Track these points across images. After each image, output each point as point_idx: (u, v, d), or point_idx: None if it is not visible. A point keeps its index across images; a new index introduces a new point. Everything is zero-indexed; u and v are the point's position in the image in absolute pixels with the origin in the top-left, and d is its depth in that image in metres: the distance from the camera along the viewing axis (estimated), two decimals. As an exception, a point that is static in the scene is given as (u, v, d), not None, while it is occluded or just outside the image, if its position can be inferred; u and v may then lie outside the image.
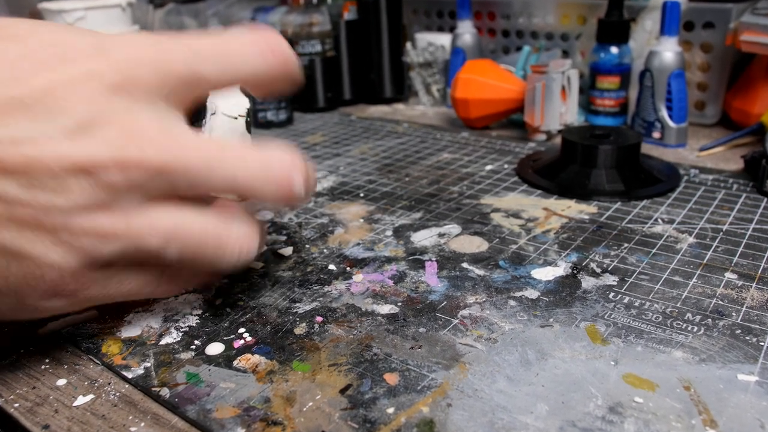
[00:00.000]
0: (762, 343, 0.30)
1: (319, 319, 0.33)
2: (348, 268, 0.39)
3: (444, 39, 0.84)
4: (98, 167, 0.23)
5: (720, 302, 0.34)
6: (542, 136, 0.66)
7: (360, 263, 0.39)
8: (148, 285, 0.29)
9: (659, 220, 0.45)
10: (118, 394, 0.28)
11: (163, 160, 0.24)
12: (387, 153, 0.63)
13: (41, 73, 0.24)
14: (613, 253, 0.40)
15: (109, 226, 0.24)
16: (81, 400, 0.28)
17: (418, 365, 0.29)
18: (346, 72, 0.84)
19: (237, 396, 0.27)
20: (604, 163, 0.50)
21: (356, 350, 0.30)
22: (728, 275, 0.36)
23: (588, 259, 0.39)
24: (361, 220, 0.46)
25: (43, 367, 0.30)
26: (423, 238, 0.43)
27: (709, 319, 0.32)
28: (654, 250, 0.40)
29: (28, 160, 0.23)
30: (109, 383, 0.29)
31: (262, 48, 0.28)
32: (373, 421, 0.26)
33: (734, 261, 0.38)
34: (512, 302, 0.34)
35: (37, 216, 0.23)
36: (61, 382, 0.29)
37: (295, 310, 0.34)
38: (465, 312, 0.33)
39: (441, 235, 0.43)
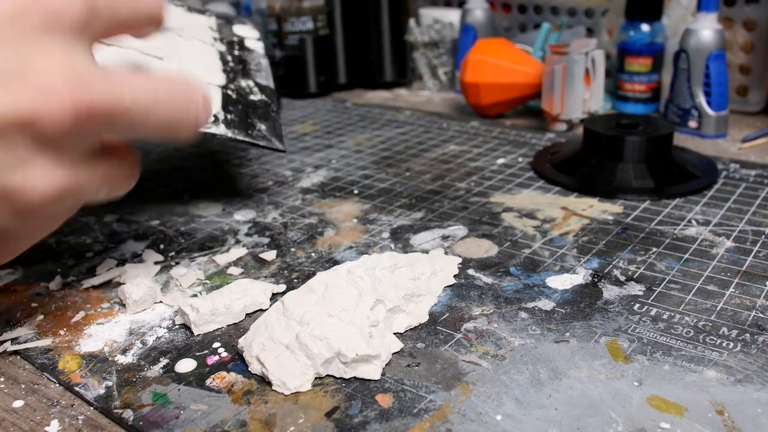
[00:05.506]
0: (807, 362, 0.30)
1: (304, 332, 0.33)
2: (338, 275, 0.39)
3: (452, 15, 0.84)
4: (37, 118, 0.24)
5: (760, 315, 0.34)
6: (562, 126, 0.66)
7: (352, 269, 0.39)
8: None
9: (693, 221, 0.44)
10: (82, 417, 0.28)
11: (108, 101, 0.25)
12: (386, 144, 0.63)
13: None
14: (639, 258, 0.40)
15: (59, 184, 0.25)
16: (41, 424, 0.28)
17: (415, 385, 0.29)
18: (341, 53, 0.84)
19: (209, 419, 0.27)
20: (631, 157, 0.50)
21: (345, 368, 0.30)
22: (770, 284, 0.36)
23: (611, 266, 0.39)
24: (355, 221, 0.46)
25: (-4, 386, 0.30)
26: (424, 240, 0.43)
27: (747, 334, 0.32)
28: (686, 256, 0.40)
29: None
30: (72, 405, 0.29)
31: None
32: (362, 448, 0.26)
33: (777, 268, 0.38)
34: (523, 314, 0.34)
35: None
36: (18, 403, 0.29)
37: (277, 323, 0.34)
38: (470, 325, 0.33)
39: (445, 238, 0.43)
